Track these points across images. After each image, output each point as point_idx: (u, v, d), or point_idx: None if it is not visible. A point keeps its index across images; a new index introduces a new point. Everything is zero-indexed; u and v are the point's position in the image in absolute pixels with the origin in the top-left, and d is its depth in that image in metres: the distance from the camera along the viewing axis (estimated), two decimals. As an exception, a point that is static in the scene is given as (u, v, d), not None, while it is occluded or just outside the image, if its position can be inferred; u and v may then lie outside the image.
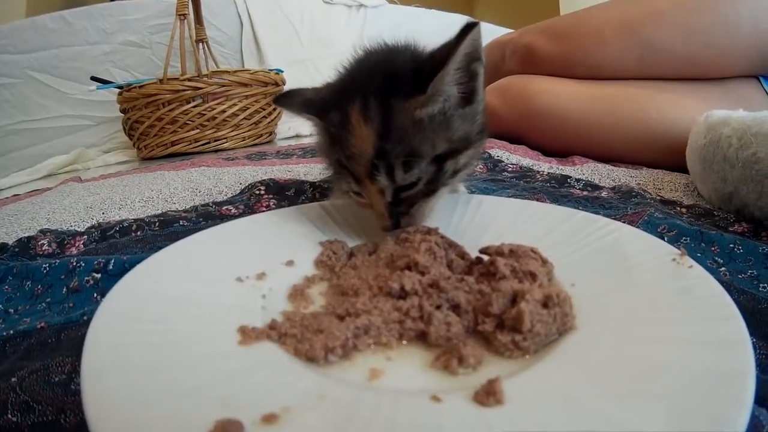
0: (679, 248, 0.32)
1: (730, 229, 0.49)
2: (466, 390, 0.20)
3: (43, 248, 0.55)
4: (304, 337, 0.24)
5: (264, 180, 0.74)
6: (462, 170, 0.38)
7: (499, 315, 0.24)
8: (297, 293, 0.30)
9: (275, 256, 0.35)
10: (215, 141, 1.48)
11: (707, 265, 0.39)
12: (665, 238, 0.44)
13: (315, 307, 0.29)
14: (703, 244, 0.42)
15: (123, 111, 1.46)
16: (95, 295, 0.42)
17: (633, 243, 0.33)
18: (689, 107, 0.79)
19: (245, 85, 1.47)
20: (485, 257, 0.31)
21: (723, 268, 0.39)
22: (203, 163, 1.19)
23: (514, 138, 0.96)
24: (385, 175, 0.34)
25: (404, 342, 0.25)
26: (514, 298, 0.24)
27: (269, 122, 1.60)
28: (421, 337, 0.25)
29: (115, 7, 1.66)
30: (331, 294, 0.30)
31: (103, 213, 0.74)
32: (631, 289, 0.27)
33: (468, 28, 0.32)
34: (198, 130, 1.44)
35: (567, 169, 0.80)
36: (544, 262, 0.30)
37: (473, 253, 0.34)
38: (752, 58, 0.83)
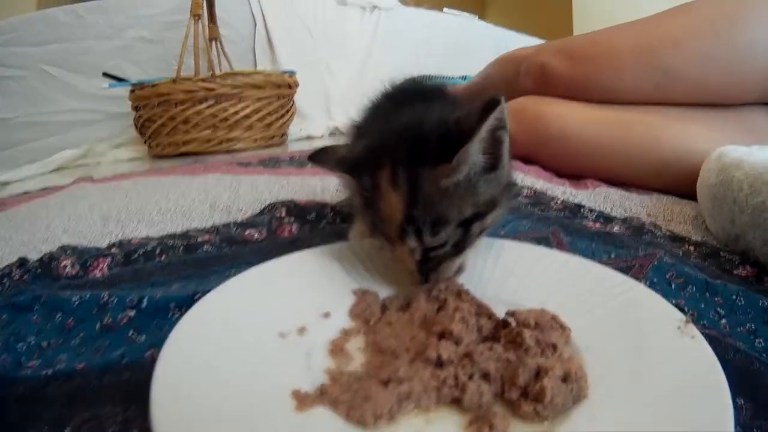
0: (685, 311, 0.36)
1: (735, 272, 0.53)
2: None
3: (66, 270, 0.57)
4: (354, 403, 0.28)
5: (284, 201, 0.78)
6: (488, 228, 0.42)
7: (524, 386, 0.29)
8: (337, 349, 0.35)
9: (312, 306, 0.39)
10: (227, 142, 1.52)
11: (709, 317, 0.43)
12: (672, 285, 0.48)
13: (355, 364, 0.33)
14: (707, 294, 0.46)
15: (135, 108, 1.51)
16: (130, 333, 0.43)
17: (644, 305, 0.37)
18: (702, 136, 0.83)
19: (258, 87, 1.51)
20: (510, 319, 0.35)
21: (723, 320, 0.43)
22: (218, 168, 1.23)
23: (527, 159, 1.00)
24: (414, 237, 0.38)
25: (441, 406, 0.29)
26: (538, 372, 0.29)
27: (281, 124, 1.64)
28: (455, 402, 0.29)
29: (127, 2, 1.70)
30: (370, 352, 0.34)
31: (121, 227, 0.76)
32: (637, 359, 0.32)
33: (492, 106, 0.35)
34: (210, 131, 1.49)
35: (580, 195, 0.84)
36: (563, 328, 0.34)
37: (495, 305, 0.38)
38: (765, 87, 0.86)
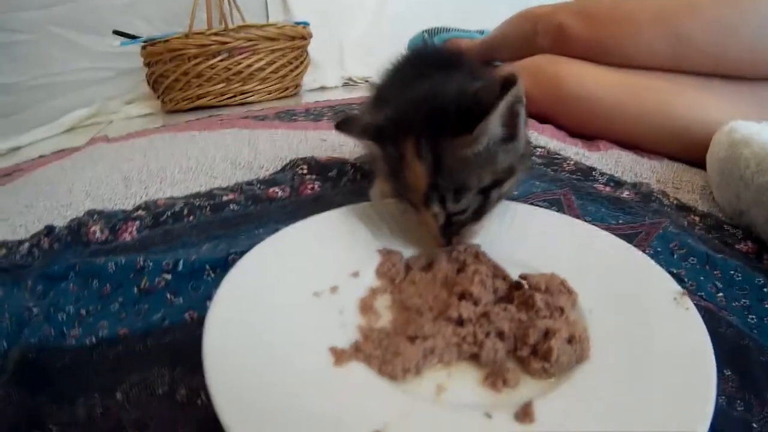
0: (685, 281, 0.40)
1: (736, 246, 0.56)
2: (508, 407, 0.29)
3: (96, 236, 0.59)
4: (385, 358, 0.32)
5: (305, 158, 0.81)
6: (505, 195, 0.45)
7: (533, 345, 0.33)
8: (366, 307, 0.39)
9: (341, 266, 0.43)
10: (242, 95, 1.54)
11: (707, 289, 0.46)
12: (675, 255, 0.52)
13: (383, 320, 0.38)
14: (707, 267, 0.49)
15: (147, 65, 1.52)
16: (168, 295, 0.46)
17: (645, 275, 0.41)
18: (714, 106, 0.85)
19: (272, 39, 1.52)
20: (523, 282, 0.39)
21: (720, 294, 0.46)
22: (235, 123, 1.25)
23: (541, 118, 1.02)
24: (438, 204, 0.42)
25: (461, 359, 0.34)
26: (546, 333, 0.33)
27: (296, 75, 1.65)
28: (473, 357, 0.34)
29: (134, -43, 1.66)
30: (396, 309, 0.39)
31: (144, 188, 0.79)
32: (635, 325, 0.36)
33: (510, 83, 0.37)
34: (224, 84, 1.50)
35: (593, 157, 0.86)
36: (570, 293, 0.38)
37: (508, 266, 0.42)
38: None
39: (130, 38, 1.51)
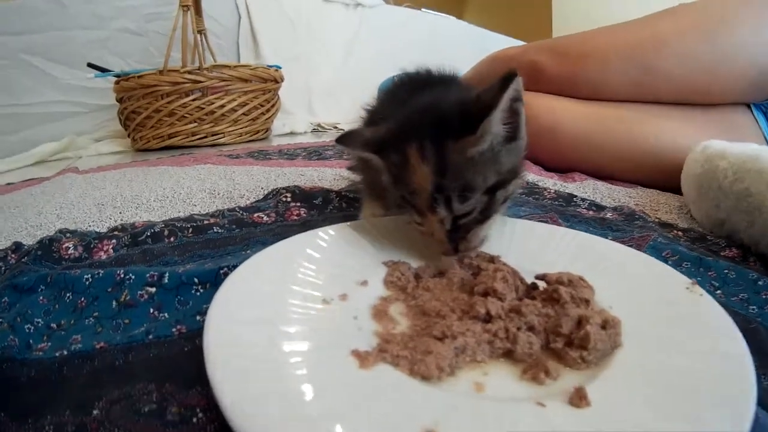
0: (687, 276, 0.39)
1: (722, 253, 0.56)
2: (557, 396, 0.27)
3: (69, 252, 0.55)
4: (415, 358, 0.29)
5: (288, 187, 0.79)
6: (510, 197, 0.44)
7: (568, 335, 0.31)
8: (381, 314, 0.36)
9: (348, 275, 0.40)
10: (212, 135, 1.51)
11: (706, 288, 0.46)
12: (669, 262, 0.51)
13: (402, 327, 0.35)
14: (701, 269, 0.50)
15: (119, 100, 1.48)
16: (152, 310, 0.42)
17: (652, 271, 0.40)
18: (684, 132, 0.88)
19: (245, 80, 1.51)
20: (540, 282, 0.38)
21: (719, 291, 0.46)
22: (208, 160, 1.22)
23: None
24: (443, 206, 0.40)
25: (494, 358, 0.31)
26: (579, 322, 0.31)
27: (266, 119, 1.64)
28: (507, 354, 0.31)
29: (111, -9, 1.66)
30: (412, 315, 0.36)
31: (119, 213, 0.76)
32: (657, 312, 0.35)
33: (510, 78, 0.38)
34: (196, 124, 1.48)
35: (570, 187, 0.88)
36: (590, 286, 0.37)
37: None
38: (745, 87, 0.91)
39: (103, 71, 1.48)
